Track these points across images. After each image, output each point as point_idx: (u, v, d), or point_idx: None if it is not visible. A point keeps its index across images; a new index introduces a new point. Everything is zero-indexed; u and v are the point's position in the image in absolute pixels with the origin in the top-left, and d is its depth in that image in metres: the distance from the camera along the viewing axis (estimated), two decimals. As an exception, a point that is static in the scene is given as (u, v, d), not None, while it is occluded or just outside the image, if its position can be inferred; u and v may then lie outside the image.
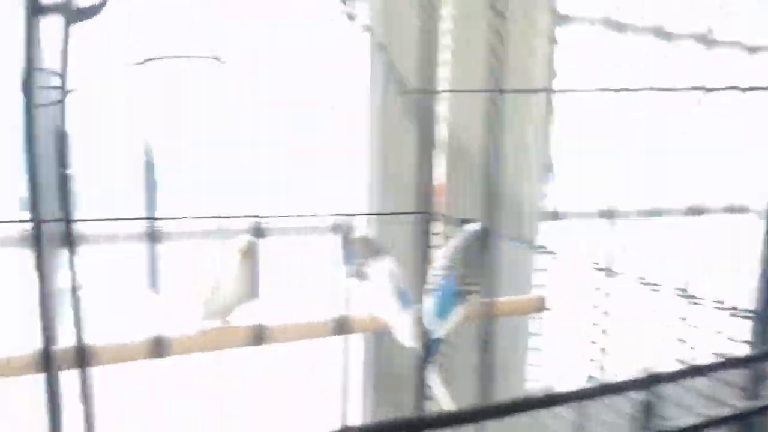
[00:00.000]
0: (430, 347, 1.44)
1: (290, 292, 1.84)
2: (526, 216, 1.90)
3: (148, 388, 1.71)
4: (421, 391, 1.88)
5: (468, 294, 1.45)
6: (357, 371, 2.00)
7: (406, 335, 1.42)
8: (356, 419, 2.01)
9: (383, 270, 1.43)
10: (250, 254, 1.35)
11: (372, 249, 1.47)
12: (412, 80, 1.85)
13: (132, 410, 1.70)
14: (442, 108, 1.82)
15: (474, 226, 1.50)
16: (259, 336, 1.33)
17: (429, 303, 1.42)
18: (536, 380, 2.04)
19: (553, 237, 1.99)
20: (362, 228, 1.53)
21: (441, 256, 1.47)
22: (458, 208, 1.80)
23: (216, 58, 1.65)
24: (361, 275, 1.43)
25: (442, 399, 1.42)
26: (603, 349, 1.60)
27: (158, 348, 1.29)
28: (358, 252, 1.46)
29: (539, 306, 1.67)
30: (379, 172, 1.89)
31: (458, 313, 1.44)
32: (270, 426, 1.88)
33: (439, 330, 1.42)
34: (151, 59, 1.56)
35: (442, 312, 1.43)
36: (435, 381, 1.43)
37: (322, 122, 1.75)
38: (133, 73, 1.50)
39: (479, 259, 1.49)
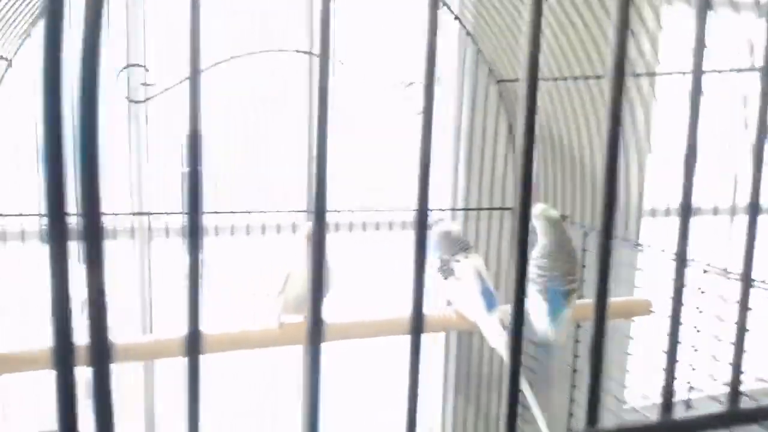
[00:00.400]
0: (547, 353, 1.36)
1: (369, 288, 1.81)
2: (626, 212, 1.77)
3: (226, 381, 1.73)
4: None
5: (572, 294, 1.35)
6: (438, 371, 1.94)
7: (493, 337, 1.34)
8: (435, 421, 1.96)
9: (470, 267, 1.36)
10: (308, 239, 1.33)
11: (459, 245, 1.40)
12: (504, 69, 1.76)
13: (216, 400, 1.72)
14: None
15: (560, 220, 1.39)
16: (338, 332, 1.30)
17: (536, 306, 1.35)
18: (633, 388, 1.91)
19: (656, 234, 1.85)
20: (448, 223, 1.46)
21: (538, 255, 1.37)
22: (552, 204, 1.71)
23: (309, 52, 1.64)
24: (446, 272, 1.37)
25: (534, 407, 1.33)
26: (714, 357, 1.45)
27: (239, 342, 1.29)
28: (444, 248, 1.39)
29: (646, 309, 1.54)
30: (466, 165, 1.82)
31: (568, 315, 1.35)
32: (351, 422, 1.86)
33: (556, 334, 1.34)
34: (238, 55, 1.57)
35: (554, 314, 1.34)
36: (526, 388, 1.34)
37: (406, 114, 1.70)
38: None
39: (575, 256, 1.40)
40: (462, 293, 1.36)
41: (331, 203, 0.30)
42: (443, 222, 1.47)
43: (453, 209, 1.83)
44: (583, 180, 1.76)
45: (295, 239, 1.39)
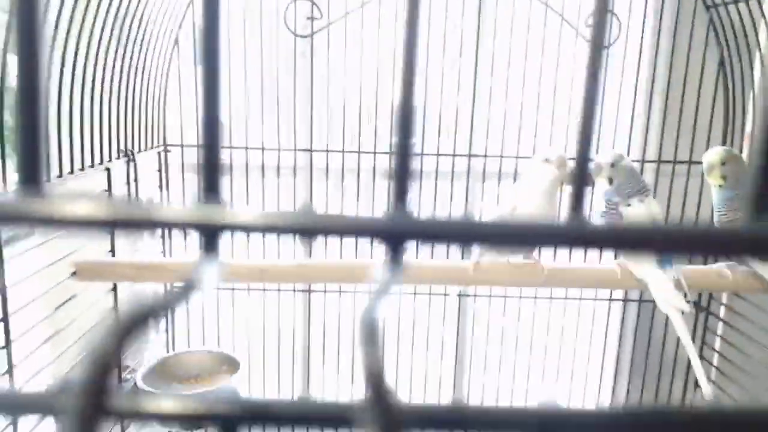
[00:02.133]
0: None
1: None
2: None
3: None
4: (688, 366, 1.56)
5: None
6: (611, 349, 1.73)
7: (664, 298, 1.12)
8: (606, 387, 1.75)
9: (644, 213, 1.14)
10: (563, 168, 1.20)
11: (635, 187, 1.18)
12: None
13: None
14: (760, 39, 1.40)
15: None
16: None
17: None
18: None
19: None
20: (624, 158, 1.23)
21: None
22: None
23: None
24: (612, 217, 1.16)
25: (700, 377, 1.12)
26: None
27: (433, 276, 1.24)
28: (615, 188, 1.18)
29: None
30: (661, 108, 1.56)
31: None
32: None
33: None
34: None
35: None
36: (694, 356, 1.13)
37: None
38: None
39: None
40: None
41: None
42: (617, 155, 1.24)
43: (642, 161, 1.58)
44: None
45: (529, 166, 1.27)
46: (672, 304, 1.12)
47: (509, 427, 0.19)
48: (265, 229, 0.21)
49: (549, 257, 1.31)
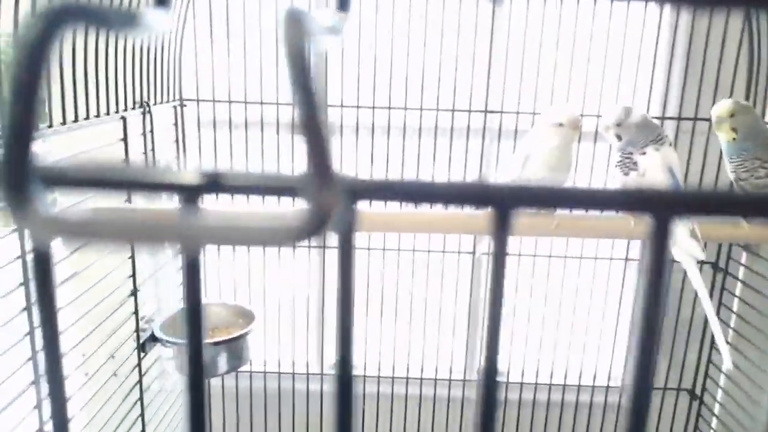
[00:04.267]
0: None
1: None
2: None
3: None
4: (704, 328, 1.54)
5: None
6: (626, 313, 1.72)
7: (679, 246, 1.11)
8: (621, 349, 1.75)
9: (659, 161, 1.13)
10: (577, 130, 1.21)
11: (650, 135, 1.17)
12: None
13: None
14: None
15: None
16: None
17: None
18: None
19: None
20: (633, 117, 1.21)
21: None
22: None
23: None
24: (627, 166, 1.15)
25: (717, 335, 1.12)
26: None
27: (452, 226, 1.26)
28: (630, 137, 1.17)
29: None
30: (682, 61, 1.52)
31: None
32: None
33: None
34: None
35: None
36: (710, 310, 1.12)
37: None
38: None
39: None
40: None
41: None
42: (621, 113, 1.22)
43: (662, 117, 1.55)
44: None
45: (539, 120, 1.27)
46: (687, 251, 1.11)
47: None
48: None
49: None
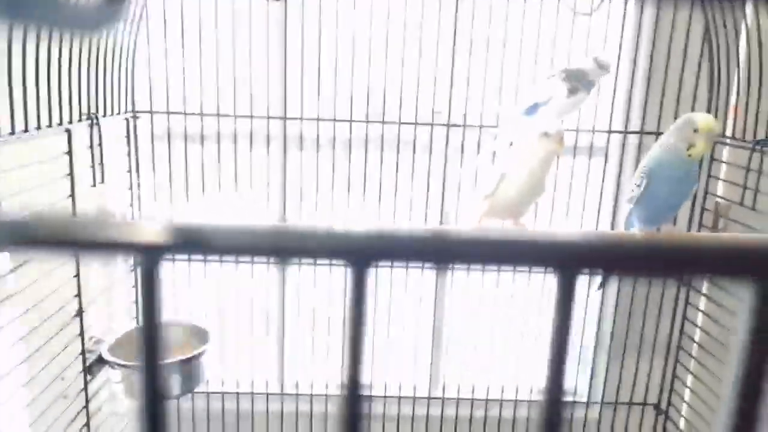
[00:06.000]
0: None
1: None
2: None
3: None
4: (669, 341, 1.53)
5: None
6: (591, 328, 1.70)
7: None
8: (583, 385, 1.73)
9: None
10: (561, 144, 1.20)
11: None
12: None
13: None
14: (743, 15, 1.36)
15: None
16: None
17: None
18: None
19: None
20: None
21: None
22: (760, 128, 1.36)
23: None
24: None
25: None
26: None
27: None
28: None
29: None
30: (645, 75, 1.52)
31: None
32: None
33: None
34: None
35: None
36: None
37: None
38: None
39: None
40: None
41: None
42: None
43: (625, 132, 1.55)
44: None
45: (519, 139, 1.26)
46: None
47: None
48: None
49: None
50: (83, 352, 1.29)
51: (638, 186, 1.20)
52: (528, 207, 1.32)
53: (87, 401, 1.30)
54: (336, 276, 1.60)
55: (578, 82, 1.29)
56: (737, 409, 0.22)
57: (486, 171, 1.36)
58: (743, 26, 1.39)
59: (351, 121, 1.50)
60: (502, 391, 1.70)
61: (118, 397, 1.46)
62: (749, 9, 1.37)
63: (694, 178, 1.21)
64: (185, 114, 1.47)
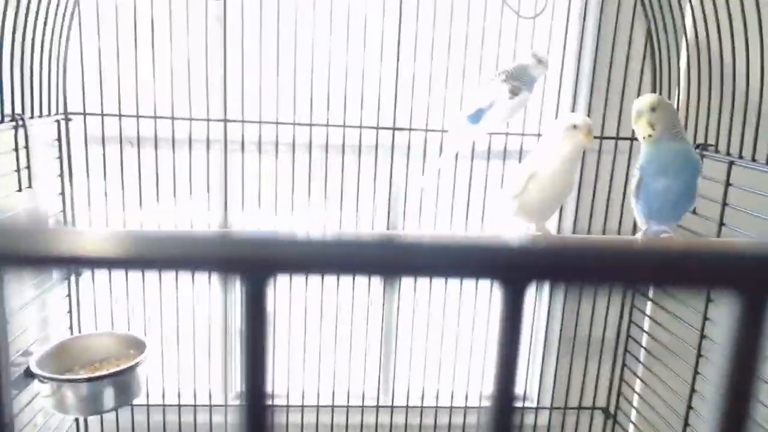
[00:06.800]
0: None
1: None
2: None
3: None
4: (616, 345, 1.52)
5: None
6: (539, 329, 1.69)
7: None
8: (533, 385, 1.72)
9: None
10: (590, 136, 1.18)
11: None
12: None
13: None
14: (687, 8, 1.37)
15: None
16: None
17: None
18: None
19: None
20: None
21: None
22: (700, 132, 1.37)
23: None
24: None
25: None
26: None
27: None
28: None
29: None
30: (588, 81, 1.52)
31: None
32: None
33: None
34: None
35: None
36: None
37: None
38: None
39: None
40: None
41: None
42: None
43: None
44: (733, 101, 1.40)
45: (551, 134, 1.22)
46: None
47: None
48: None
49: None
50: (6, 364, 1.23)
51: (636, 181, 1.19)
52: (557, 207, 1.29)
53: (11, 417, 1.24)
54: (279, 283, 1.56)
55: (519, 81, 1.28)
56: (724, 415, 0.21)
57: (514, 170, 1.32)
58: (683, 31, 1.41)
59: (294, 124, 1.47)
60: (452, 398, 1.68)
61: (46, 412, 1.39)
62: (688, 10, 1.38)
63: (690, 171, 1.16)
64: (120, 116, 1.42)
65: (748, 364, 0.20)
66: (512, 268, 0.20)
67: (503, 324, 0.20)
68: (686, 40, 1.40)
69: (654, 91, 1.51)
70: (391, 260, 0.20)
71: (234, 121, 1.47)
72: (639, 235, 1.22)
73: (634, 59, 1.50)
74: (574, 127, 1.18)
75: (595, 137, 1.52)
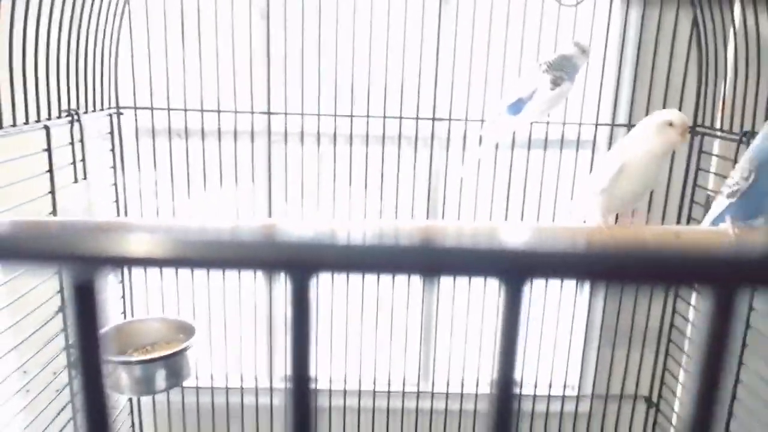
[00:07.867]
0: None
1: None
2: None
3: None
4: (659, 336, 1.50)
5: None
6: (581, 319, 1.69)
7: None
8: (573, 376, 1.72)
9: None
10: (684, 136, 1.15)
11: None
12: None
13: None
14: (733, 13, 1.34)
15: None
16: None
17: None
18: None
19: None
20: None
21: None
22: (747, 121, 1.34)
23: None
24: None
25: None
26: None
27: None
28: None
29: None
30: (632, 69, 1.50)
31: None
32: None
33: None
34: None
35: None
36: None
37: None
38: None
39: None
40: None
41: None
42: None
43: (612, 124, 1.53)
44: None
45: (644, 129, 1.19)
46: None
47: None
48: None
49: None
50: (67, 347, 1.30)
51: (745, 179, 1.15)
52: (643, 200, 1.28)
53: (72, 396, 1.31)
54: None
55: (561, 71, 1.27)
56: (697, 404, 0.24)
57: (601, 164, 1.31)
58: (731, 18, 1.37)
59: (335, 115, 1.50)
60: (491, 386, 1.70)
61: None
62: (737, 1, 1.35)
63: None
64: (169, 109, 1.47)
65: (721, 354, 0.22)
66: (511, 266, 0.21)
67: (503, 321, 0.22)
68: (734, 28, 1.37)
69: (700, 80, 1.48)
70: (428, 262, 0.22)
71: (277, 113, 1.50)
72: (727, 228, 1.18)
73: (679, 47, 1.47)
74: (670, 124, 1.15)
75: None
